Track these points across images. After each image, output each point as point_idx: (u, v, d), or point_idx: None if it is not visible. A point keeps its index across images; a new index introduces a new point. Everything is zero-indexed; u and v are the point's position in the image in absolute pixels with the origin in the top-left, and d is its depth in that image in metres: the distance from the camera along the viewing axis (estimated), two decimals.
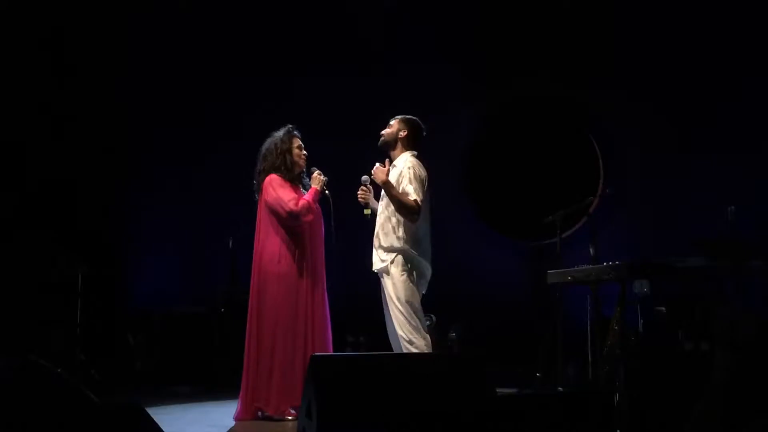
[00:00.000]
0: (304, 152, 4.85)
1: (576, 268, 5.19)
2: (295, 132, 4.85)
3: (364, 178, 4.63)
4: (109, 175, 7.40)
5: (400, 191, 4.41)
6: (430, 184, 4.58)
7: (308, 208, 4.66)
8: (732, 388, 3.06)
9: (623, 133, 7.48)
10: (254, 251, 4.75)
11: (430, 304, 6.33)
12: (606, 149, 7.62)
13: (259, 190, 4.77)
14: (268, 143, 4.83)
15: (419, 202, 4.37)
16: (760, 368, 3.05)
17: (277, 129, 4.88)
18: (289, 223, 4.64)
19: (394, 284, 4.41)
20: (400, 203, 4.39)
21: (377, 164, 4.55)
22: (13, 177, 6.79)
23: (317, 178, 4.77)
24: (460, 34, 7.54)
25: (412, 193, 4.38)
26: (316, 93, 7.38)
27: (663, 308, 5.60)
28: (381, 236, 4.51)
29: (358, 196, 4.62)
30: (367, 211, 4.60)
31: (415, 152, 4.63)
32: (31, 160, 6.94)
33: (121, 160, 7.48)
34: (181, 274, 7.57)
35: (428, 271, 4.54)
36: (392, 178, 4.47)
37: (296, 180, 4.82)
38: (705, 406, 3.14)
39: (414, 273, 4.45)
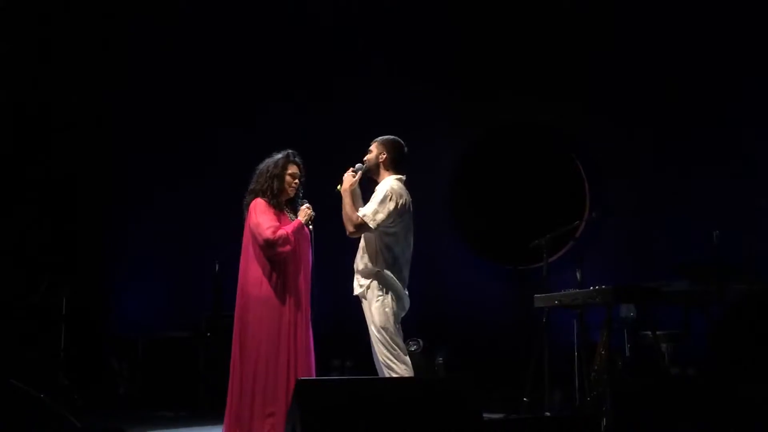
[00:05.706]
0: (297, 181, 4.69)
1: (562, 292, 5.21)
2: (294, 158, 4.71)
3: (358, 165, 4.54)
4: (93, 199, 7.37)
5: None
6: (416, 209, 4.53)
7: (285, 239, 4.51)
8: None
9: (611, 154, 7.52)
10: (239, 274, 4.67)
11: (418, 329, 6.33)
12: (592, 172, 7.66)
13: (247, 210, 4.72)
14: (264, 164, 4.71)
15: (365, 222, 4.27)
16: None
17: (277, 151, 4.73)
18: (265, 251, 4.53)
19: (371, 310, 4.35)
20: (345, 214, 4.34)
21: (349, 171, 4.49)
22: None
23: (304, 212, 4.67)
24: (444, 58, 7.61)
25: (365, 210, 4.32)
26: (299, 118, 7.44)
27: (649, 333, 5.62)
28: (358, 260, 4.47)
29: (344, 176, 4.50)
30: (340, 187, 4.49)
31: (401, 176, 4.52)
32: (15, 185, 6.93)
33: (105, 184, 7.45)
34: (167, 298, 7.51)
35: (405, 295, 4.43)
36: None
37: (284, 206, 4.71)
38: None
39: (390, 298, 4.34)
